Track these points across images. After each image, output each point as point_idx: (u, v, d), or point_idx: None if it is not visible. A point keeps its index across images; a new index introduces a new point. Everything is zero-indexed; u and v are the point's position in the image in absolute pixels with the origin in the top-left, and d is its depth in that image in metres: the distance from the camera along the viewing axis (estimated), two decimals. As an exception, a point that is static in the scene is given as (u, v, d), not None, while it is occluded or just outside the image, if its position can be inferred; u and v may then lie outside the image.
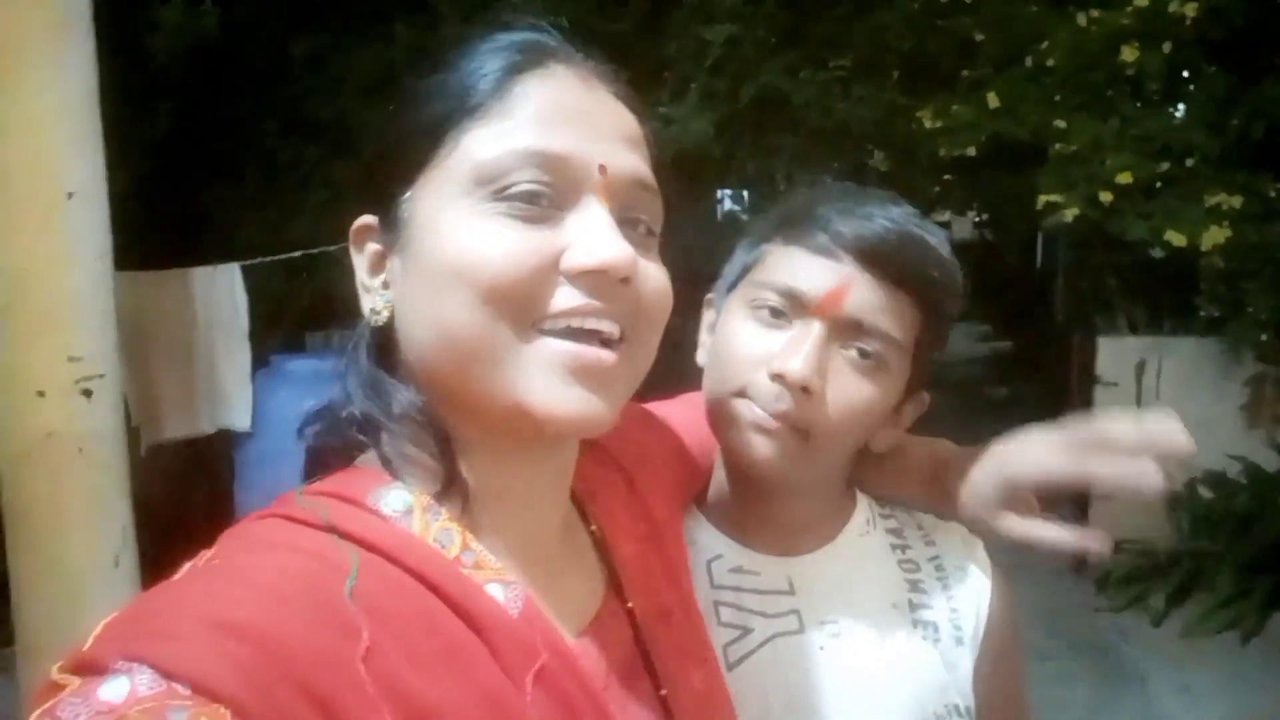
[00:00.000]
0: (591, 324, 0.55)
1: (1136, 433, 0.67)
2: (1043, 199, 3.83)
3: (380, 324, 0.60)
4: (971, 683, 0.83)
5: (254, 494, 4.32)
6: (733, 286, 0.83)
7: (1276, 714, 3.10)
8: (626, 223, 0.57)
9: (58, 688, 0.43)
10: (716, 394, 0.79)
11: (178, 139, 4.38)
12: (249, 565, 0.50)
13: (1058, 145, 3.86)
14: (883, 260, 0.75)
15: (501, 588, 0.56)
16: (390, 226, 0.59)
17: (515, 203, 0.54)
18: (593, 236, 0.55)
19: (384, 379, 0.60)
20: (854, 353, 0.75)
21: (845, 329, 0.75)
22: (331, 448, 0.60)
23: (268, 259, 4.28)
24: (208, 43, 4.03)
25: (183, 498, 4.50)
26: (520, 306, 0.54)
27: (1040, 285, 8.54)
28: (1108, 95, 3.85)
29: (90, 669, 0.43)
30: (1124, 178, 3.66)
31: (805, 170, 4.72)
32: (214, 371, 4.26)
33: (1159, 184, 3.77)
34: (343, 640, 0.47)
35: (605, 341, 0.56)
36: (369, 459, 0.59)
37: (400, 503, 0.56)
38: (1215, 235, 3.58)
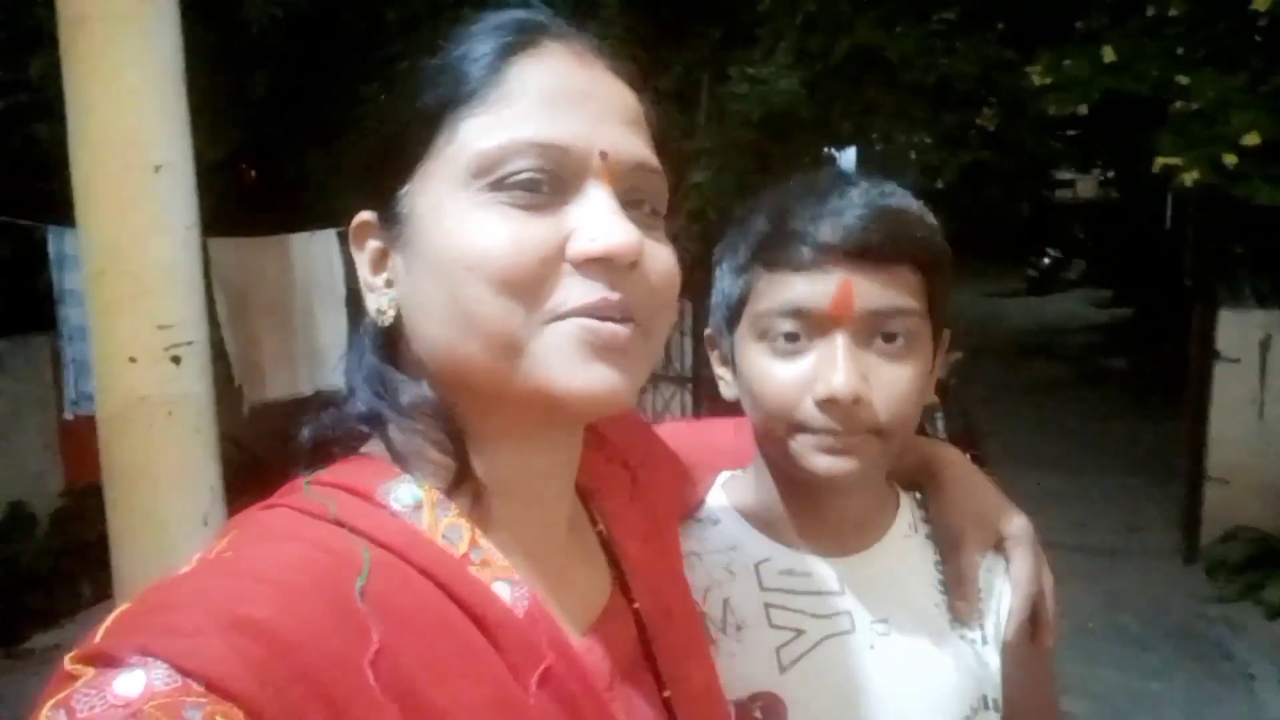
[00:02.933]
0: (604, 316, 0.54)
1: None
2: (1160, 162, 3.56)
3: (387, 324, 0.59)
4: (1001, 677, 0.84)
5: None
6: (731, 322, 0.82)
7: (1400, 724, 2.86)
8: (630, 204, 0.57)
9: (70, 678, 0.43)
10: (774, 436, 0.79)
11: (276, 106, 4.51)
12: (262, 559, 0.50)
13: (1179, 104, 3.57)
14: (870, 249, 0.74)
15: (508, 586, 0.56)
16: (390, 222, 0.58)
17: (516, 191, 0.54)
18: (597, 222, 0.54)
19: (392, 375, 0.59)
20: (879, 342, 0.76)
21: (864, 327, 0.75)
22: (334, 438, 0.60)
23: (362, 225, 4.38)
24: (302, 9, 4.11)
25: (287, 456, 4.70)
26: (533, 294, 0.53)
27: (1168, 250, 8.01)
28: (1235, 48, 3.52)
29: (104, 661, 0.43)
30: (1251, 139, 3.35)
31: (904, 129, 4.52)
32: (313, 334, 4.41)
33: (1291, 145, 3.44)
34: (354, 642, 0.47)
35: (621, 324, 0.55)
36: (375, 447, 0.59)
37: (410, 497, 0.56)
38: (1353, 201, 3.26)
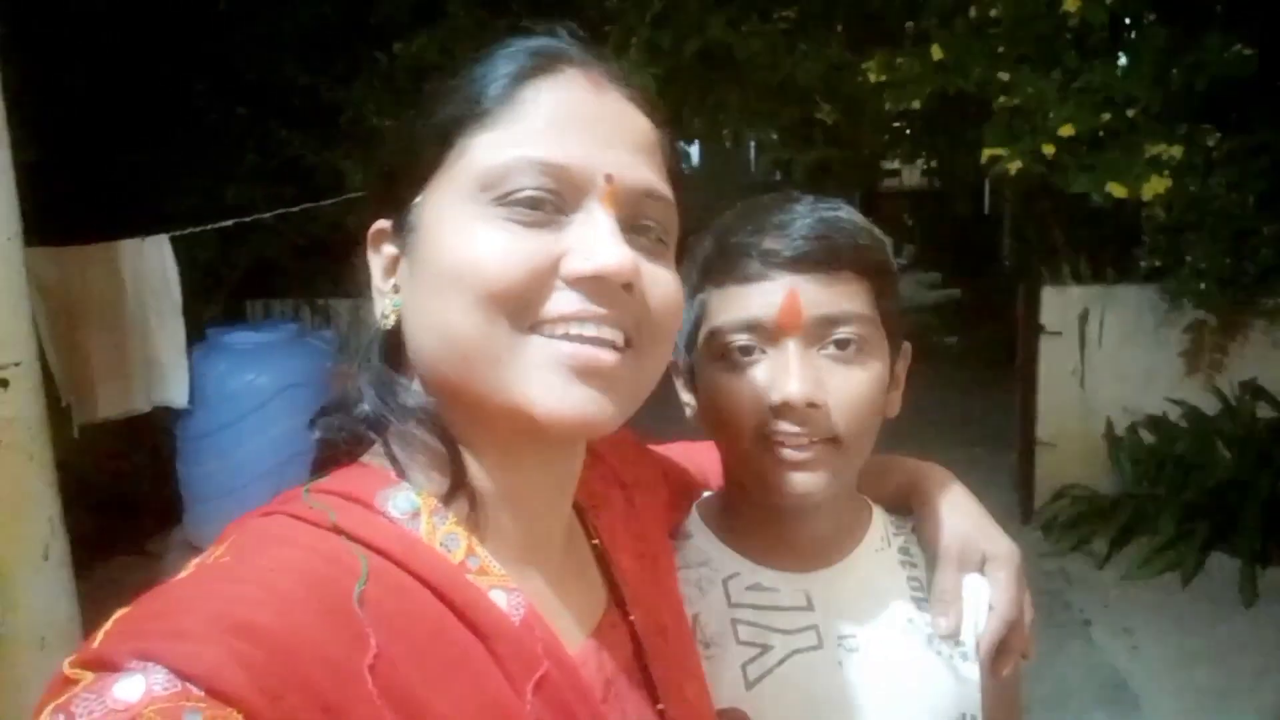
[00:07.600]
0: (590, 330, 0.55)
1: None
2: (986, 153, 3.82)
3: (388, 327, 0.60)
4: (980, 693, 0.85)
5: (198, 469, 4.22)
6: (689, 345, 0.83)
7: (1215, 654, 3.20)
8: (635, 230, 0.58)
9: (70, 682, 0.43)
10: (735, 448, 0.80)
11: (99, 102, 4.17)
12: (262, 565, 0.50)
13: (1001, 99, 3.84)
14: (813, 255, 0.77)
15: (504, 595, 0.57)
16: (402, 231, 0.60)
17: (517, 208, 0.55)
18: (593, 242, 0.55)
19: (395, 379, 0.60)
20: (831, 348, 0.77)
21: (814, 333, 0.77)
22: (339, 442, 0.61)
23: (198, 228, 4.13)
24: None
25: (122, 477, 4.38)
26: (518, 308, 0.54)
27: (988, 234, 8.61)
28: (1051, 48, 3.82)
29: (103, 665, 0.43)
30: (1066, 131, 3.65)
31: (752, 126, 4.66)
32: (147, 347, 4.12)
33: (1101, 136, 3.77)
34: (352, 648, 0.48)
35: (610, 347, 0.55)
36: (376, 457, 0.60)
37: (408, 504, 0.57)
38: (1156, 186, 3.60)
